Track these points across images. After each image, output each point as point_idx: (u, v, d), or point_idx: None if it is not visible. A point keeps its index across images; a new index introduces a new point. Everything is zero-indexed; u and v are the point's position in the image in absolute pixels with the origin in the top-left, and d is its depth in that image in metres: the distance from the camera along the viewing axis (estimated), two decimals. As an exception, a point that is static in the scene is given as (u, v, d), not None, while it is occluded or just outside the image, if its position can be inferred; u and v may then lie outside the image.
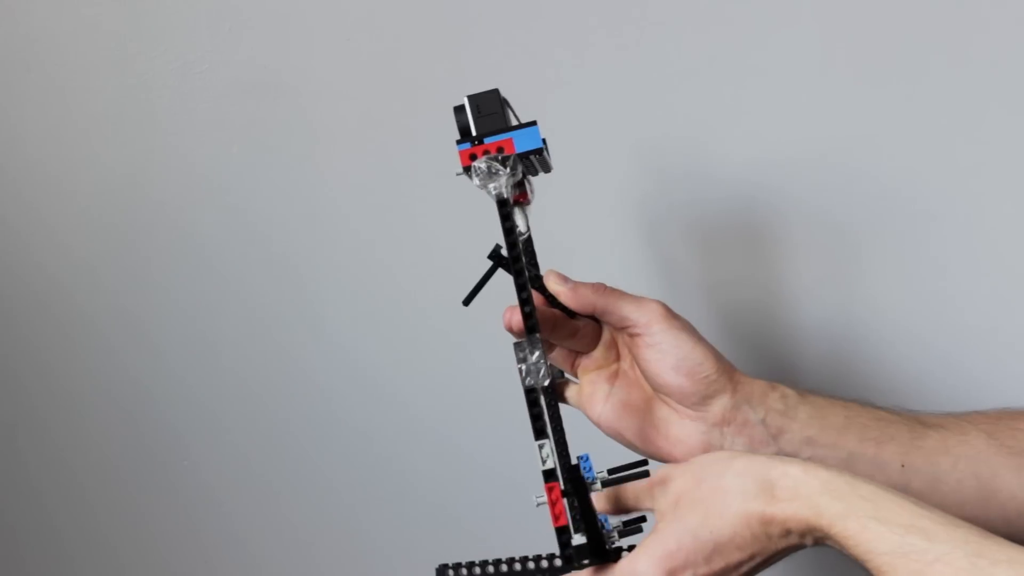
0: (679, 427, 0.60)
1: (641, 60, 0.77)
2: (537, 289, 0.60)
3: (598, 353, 0.63)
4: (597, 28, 0.77)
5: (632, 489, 0.56)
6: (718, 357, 0.59)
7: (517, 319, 0.58)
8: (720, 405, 0.59)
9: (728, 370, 0.59)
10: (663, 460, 0.60)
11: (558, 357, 0.63)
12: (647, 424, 0.61)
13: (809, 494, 0.48)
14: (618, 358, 0.63)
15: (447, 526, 0.94)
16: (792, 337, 0.80)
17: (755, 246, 0.79)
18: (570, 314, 0.61)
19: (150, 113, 0.87)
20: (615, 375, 0.62)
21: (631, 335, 0.60)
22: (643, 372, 0.61)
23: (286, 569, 1.02)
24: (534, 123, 0.58)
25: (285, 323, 0.92)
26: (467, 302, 0.60)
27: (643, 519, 0.58)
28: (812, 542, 0.49)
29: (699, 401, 0.59)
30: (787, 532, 0.49)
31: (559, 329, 0.61)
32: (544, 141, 0.59)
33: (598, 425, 0.62)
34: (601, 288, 0.60)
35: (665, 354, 0.58)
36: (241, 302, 0.92)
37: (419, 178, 0.82)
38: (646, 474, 0.57)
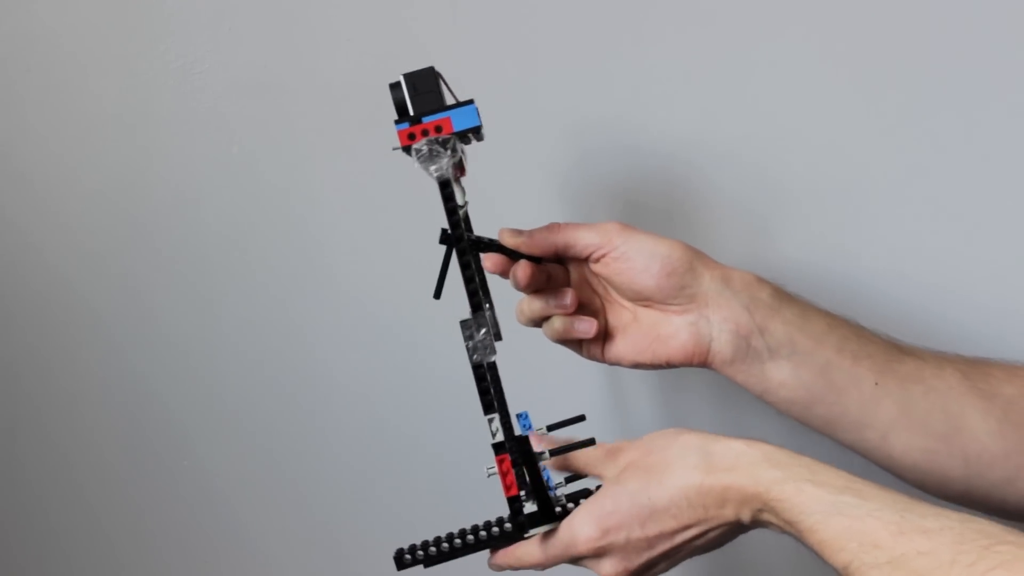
0: (668, 325, 0.61)
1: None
2: (496, 251, 0.61)
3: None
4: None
5: (583, 456, 0.59)
6: (685, 245, 0.60)
7: (520, 274, 0.60)
8: (698, 290, 0.59)
9: (700, 256, 0.60)
10: (664, 364, 0.61)
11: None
12: (642, 337, 0.62)
13: (748, 464, 0.50)
14: (594, 291, 0.64)
15: (449, 524, 0.94)
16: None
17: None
18: (536, 260, 0.62)
19: (150, 113, 0.87)
20: (600, 311, 0.64)
21: (596, 259, 0.61)
22: (619, 288, 0.62)
23: (287, 569, 1.01)
24: (471, 101, 0.58)
25: (286, 322, 0.92)
26: (437, 295, 0.61)
27: (587, 490, 0.60)
28: (749, 517, 0.50)
29: (678, 292, 0.59)
30: (723, 502, 0.50)
31: (534, 280, 0.61)
32: (479, 114, 0.58)
33: (605, 362, 0.63)
34: (555, 226, 0.61)
35: (633, 260, 0.60)
36: (241, 301, 0.92)
37: (419, 177, 0.82)
38: (592, 442, 0.59)
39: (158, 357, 0.96)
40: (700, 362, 0.60)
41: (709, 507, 0.51)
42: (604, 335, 0.63)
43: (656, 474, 0.52)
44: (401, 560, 0.62)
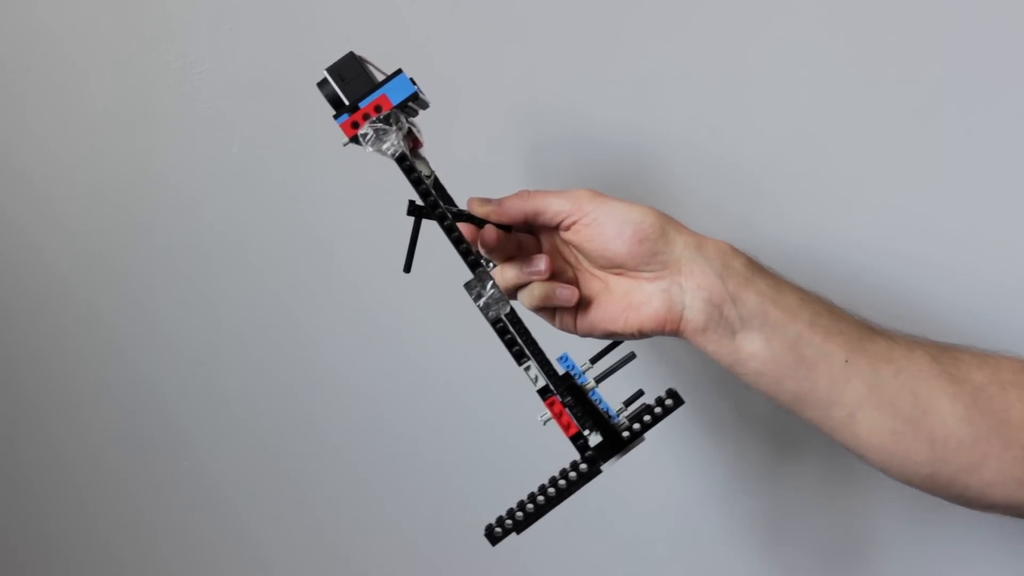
0: (639, 292, 0.60)
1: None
2: (466, 220, 0.61)
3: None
4: None
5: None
6: (656, 211, 0.60)
7: (487, 237, 0.59)
8: (670, 256, 0.59)
9: (672, 222, 0.60)
10: (636, 334, 0.61)
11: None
12: (614, 304, 0.61)
13: None
14: (565, 260, 0.64)
15: (450, 522, 0.94)
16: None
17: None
18: (506, 228, 0.61)
19: (150, 113, 0.87)
20: (573, 282, 0.63)
21: (567, 227, 0.61)
22: (591, 255, 0.61)
23: (287, 568, 1.02)
24: (399, 71, 0.58)
25: (286, 322, 0.92)
26: (407, 268, 0.60)
27: (641, 392, 0.61)
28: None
29: (650, 258, 0.59)
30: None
31: (504, 251, 0.61)
32: (412, 80, 0.58)
33: (578, 333, 0.63)
34: (525, 194, 0.61)
35: (604, 226, 0.59)
36: (242, 301, 0.92)
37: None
38: (633, 356, 0.60)
39: (158, 357, 0.96)
40: (672, 330, 0.59)
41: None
42: (576, 305, 0.62)
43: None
44: (493, 535, 0.61)
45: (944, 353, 0.58)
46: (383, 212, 0.86)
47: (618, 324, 0.61)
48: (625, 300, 0.61)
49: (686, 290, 0.58)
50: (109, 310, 0.95)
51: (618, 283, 0.61)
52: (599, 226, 0.59)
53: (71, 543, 1.05)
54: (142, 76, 0.86)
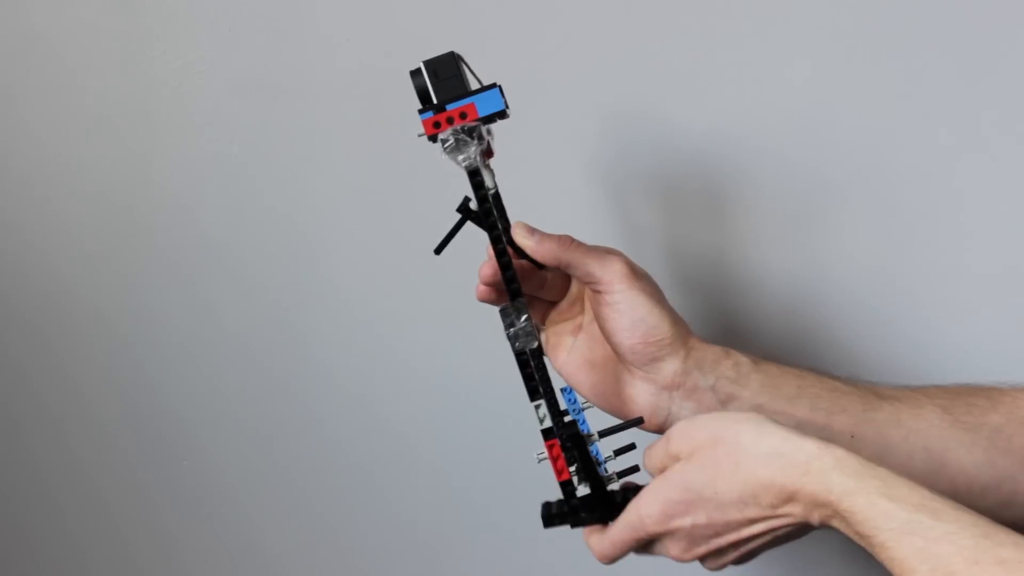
0: (631, 387, 0.60)
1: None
2: (507, 243, 0.60)
3: (564, 305, 0.64)
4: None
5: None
6: (675, 322, 0.59)
7: (484, 272, 0.59)
8: (670, 369, 0.59)
9: (683, 335, 0.59)
10: (616, 416, 0.61)
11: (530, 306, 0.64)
12: (605, 380, 0.61)
13: (821, 469, 0.48)
14: (582, 311, 0.63)
15: (448, 521, 0.94)
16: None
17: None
18: (538, 265, 0.61)
19: (150, 113, 0.87)
20: (578, 328, 0.63)
21: (594, 291, 0.60)
22: (600, 329, 0.61)
23: (287, 568, 1.02)
24: (495, 85, 0.57)
25: (286, 322, 0.92)
26: (439, 251, 0.60)
27: (632, 446, 0.60)
28: (818, 521, 0.49)
29: (648, 362, 0.59)
30: (793, 503, 0.49)
31: (527, 280, 0.61)
32: (503, 97, 0.57)
33: (560, 374, 0.63)
34: (567, 242, 0.60)
35: (622, 315, 0.59)
36: (241, 301, 0.92)
37: (419, 177, 0.82)
38: (641, 420, 0.59)
39: (158, 357, 0.96)
40: (655, 429, 0.60)
41: (777, 506, 0.50)
42: (574, 347, 0.63)
43: (724, 468, 0.51)
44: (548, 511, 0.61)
45: (955, 401, 0.58)
46: (383, 213, 0.86)
47: (601, 401, 0.61)
48: (617, 386, 0.61)
49: (674, 399, 0.59)
50: (109, 310, 0.95)
51: (618, 366, 0.61)
52: (617, 312, 0.59)
53: (72, 543, 1.06)
54: (142, 76, 0.86)
